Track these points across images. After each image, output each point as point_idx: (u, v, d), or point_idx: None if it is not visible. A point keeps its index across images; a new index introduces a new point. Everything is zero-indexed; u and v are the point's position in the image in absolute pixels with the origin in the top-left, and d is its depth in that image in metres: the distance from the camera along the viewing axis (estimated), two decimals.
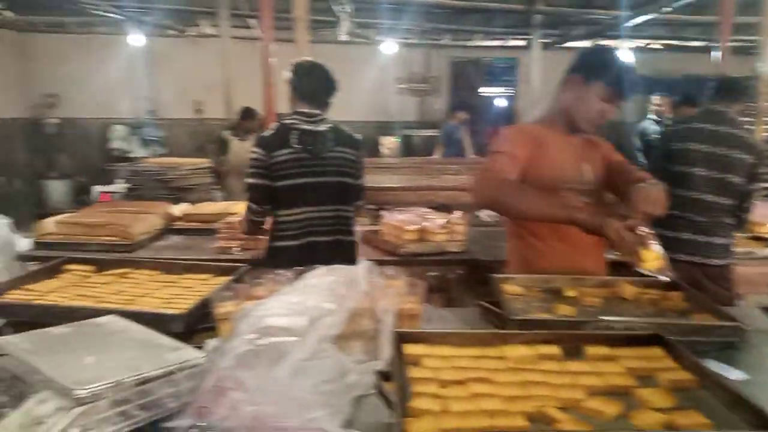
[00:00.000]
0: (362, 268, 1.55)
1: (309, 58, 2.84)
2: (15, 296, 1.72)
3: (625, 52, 9.76)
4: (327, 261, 2.63)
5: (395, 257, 3.34)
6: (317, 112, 2.69)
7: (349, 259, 2.76)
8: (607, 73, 2.02)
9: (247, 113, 6.33)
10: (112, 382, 1.13)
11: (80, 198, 8.30)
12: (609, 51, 2.16)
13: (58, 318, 1.57)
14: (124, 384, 1.15)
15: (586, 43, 10.22)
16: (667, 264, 2.94)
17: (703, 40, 9.39)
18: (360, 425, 1.24)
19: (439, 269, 3.43)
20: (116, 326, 1.41)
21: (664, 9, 6.94)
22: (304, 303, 1.33)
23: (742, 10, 6.18)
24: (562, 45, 10.09)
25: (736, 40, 6.58)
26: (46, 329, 1.37)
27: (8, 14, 8.23)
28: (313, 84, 2.71)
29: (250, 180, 2.69)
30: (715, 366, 1.58)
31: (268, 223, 2.83)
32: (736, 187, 2.97)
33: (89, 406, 1.10)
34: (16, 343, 1.28)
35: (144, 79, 9.32)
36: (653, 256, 1.88)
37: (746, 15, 6.38)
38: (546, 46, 9.83)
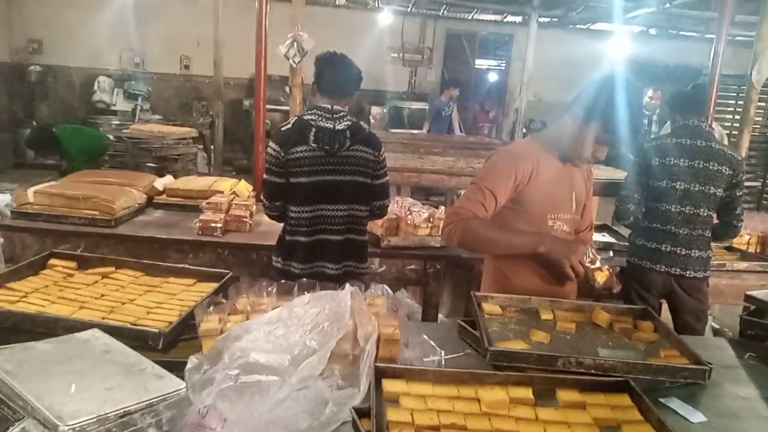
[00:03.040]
0: (347, 295, 1.57)
1: (332, 50, 2.71)
2: None
3: (622, 37, 9.74)
4: (336, 259, 2.70)
5: (376, 248, 3.38)
6: (339, 108, 2.62)
7: (359, 257, 2.77)
8: (608, 118, 1.96)
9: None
10: (95, 417, 1.15)
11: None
12: (615, 88, 1.98)
13: (39, 326, 1.58)
14: (107, 417, 1.17)
15: (582, 27, 10.19)
16: (640, 274, 3.04)
17: (700, 31, 9.38)
18: None
19: (419, 263, 3.47)
20: (98, 344, 1.43)
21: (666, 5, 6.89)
22: (288, 338, 1.36)
23: (743, 5, 6.17)
24: (559, 25, 10.01)
25: (734, 35, 6.58)
26: (28, 345, 1.38)
27: None
28: (335, 77, 2.64)
29: (264, 175, 2.66)
30: (678, 405, 1.66)
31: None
32: (716, 198, 3.04)
33: None
34: None
35: (132, 31, 9.08)
36: (605, 275, 2.00)
37: (746, 13, 6.38)
38: (542, 25, 9.75)
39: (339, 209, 2.67)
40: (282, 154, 2.57)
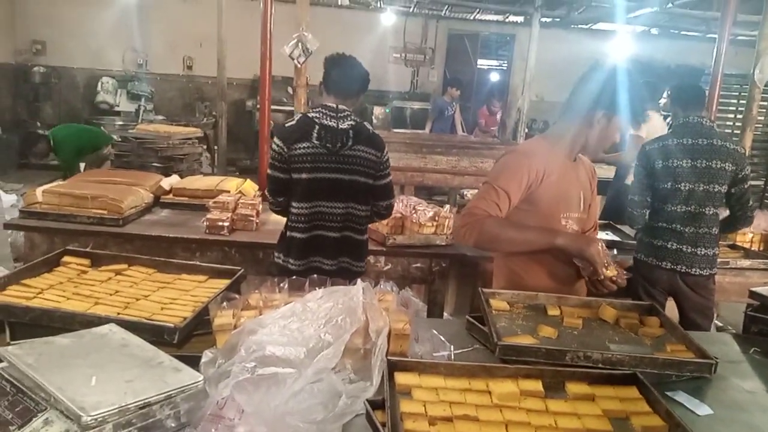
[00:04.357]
0: (359, 290, 1.59)
1: (341, 52, 2.77)
2: (14, 294, 1.74)
3: (624, 37, 9.76)
4: (332, 255, 2.73)
5: (382, 247, 3.40)
6: (343, 107, 2.66)
7: (355, 255, 2.80)
8: (614, 101, 2.06)
9: None
10: (116, 408, 1.18)
11: None
12: (615, 74, 2.10)
13: (56, 321, 1.61)
14: (128, 409, 1.20)
15: (584, 26, 10.21)
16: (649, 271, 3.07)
17: (702, 30, 9.39)
18: None
19: (425, 261, 3.50)
20: (116, 339, 1.45)
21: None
22: (302, 332, 1.38)
23: (745, 4, 6.20)
24: (561, 25, 10.03)
25: (737, 34, 6.60)
26: (48, 339, 1.41)
27: None
28: (341, 77, 2.68)
29: (269, 171, 2.73)
30: (684, 398, 1.68)
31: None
32: (721, 195, 3.05)
33: (95, 431, 1.15)
34: (19, 355, 1.31)
35: (135, 31, 9.12)
36: (613, 272, 2.07)
37: (748, 12, 6.39)
38: (544, 25, 9.77)
39: (337, 207, 2.71)
40: (285, 149, 2.62)
